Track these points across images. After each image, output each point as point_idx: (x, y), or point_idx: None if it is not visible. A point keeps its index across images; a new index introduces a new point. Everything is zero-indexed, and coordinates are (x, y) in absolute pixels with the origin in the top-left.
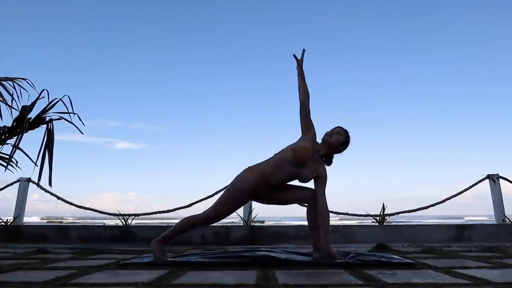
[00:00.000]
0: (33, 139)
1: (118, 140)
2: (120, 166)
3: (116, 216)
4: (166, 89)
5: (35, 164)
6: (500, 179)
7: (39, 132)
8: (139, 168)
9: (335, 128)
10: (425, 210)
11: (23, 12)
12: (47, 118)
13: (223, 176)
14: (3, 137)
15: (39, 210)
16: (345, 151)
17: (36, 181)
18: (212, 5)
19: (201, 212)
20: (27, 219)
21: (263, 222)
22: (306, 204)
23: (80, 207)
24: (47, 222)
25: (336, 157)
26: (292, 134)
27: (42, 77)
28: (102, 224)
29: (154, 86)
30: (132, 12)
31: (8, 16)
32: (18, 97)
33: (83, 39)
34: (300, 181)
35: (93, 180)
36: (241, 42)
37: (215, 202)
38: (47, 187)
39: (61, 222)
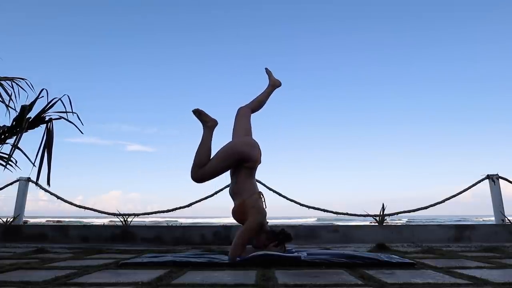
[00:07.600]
0: (34, 139)
1: (131, 143)
2: (130, 167)
3: (116, 216)
4: (181, 94)
5: (33, 164)
6: (499, 179)
7: (41, 132)
8: (148, 170)
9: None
10: (425, 210)
11: (43, 17)
12: (47, 118)
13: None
14: (2, 136)
15: (43, 209)
16: None
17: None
18: (233, 18)
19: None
20: (32, 220)
21: None
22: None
23: (80, 206)
24: (46, 221)
25: (334, 156)
26: (294, 136)
27: (55, 82)
28: (102, 224)
29: (170, 91)
30: (146, 20)
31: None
32: (16, 97)
33: (102, 48)
34: None
35: (101, 180)
36: (263, 48)
37: None
38: (46, 186)
39: (60, 221)
